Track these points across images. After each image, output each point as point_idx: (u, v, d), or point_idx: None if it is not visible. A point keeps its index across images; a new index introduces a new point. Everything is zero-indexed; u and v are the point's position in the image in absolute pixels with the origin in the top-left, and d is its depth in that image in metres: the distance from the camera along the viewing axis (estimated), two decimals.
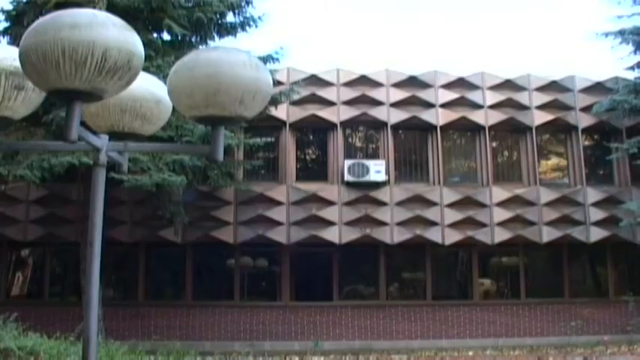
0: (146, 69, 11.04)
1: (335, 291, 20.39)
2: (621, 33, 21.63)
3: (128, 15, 14.31)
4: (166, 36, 17.76)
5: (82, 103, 3.16)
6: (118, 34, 3.02)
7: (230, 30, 18.41)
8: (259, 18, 18.42)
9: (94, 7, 12.00)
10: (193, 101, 3.53)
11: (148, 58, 14.38)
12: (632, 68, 21.96)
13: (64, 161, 15.13)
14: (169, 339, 18.10)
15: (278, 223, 19.52)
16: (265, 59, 17.61)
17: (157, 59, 15.53)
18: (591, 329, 20.20)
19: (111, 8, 14.51)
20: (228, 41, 18.33)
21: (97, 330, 4.01)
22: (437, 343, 19.45)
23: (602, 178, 22.04)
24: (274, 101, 17.72)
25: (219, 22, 18.23)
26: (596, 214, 20.54)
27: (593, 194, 20.81)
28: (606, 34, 21.69)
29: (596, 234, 20.40)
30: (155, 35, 17.52)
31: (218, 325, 19.56)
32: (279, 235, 19.48)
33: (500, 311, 20.53)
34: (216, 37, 18.37)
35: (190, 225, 18.61)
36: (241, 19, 18.43)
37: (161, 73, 12.99)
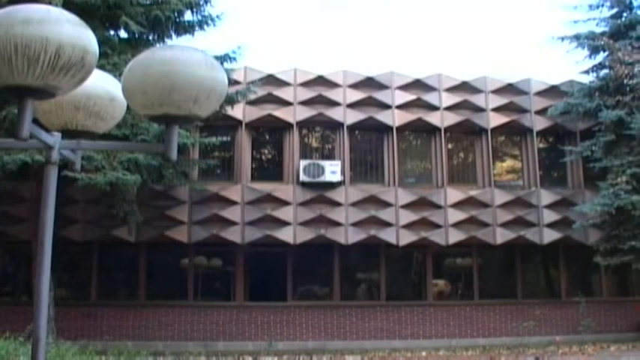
0: (102, 67, 11.52)
1: (289, 291, 20.88)
2: (577, 37, 22.51)
3: (85, 12, 14.58)
4: (123, 34, 18.00)
5: (34, 101, 3.17)
6: (72, 31, 3.01)
7: (188, 28, 18.63)
8: (217, 17, 18.69)
9: (50, 3, 12.22)
10: (147, 100, 3.53)
11: (104, 55, 14.72)
12: (587, 72, 22.85)
13: (17, 159, 15.22)
14: (122, 339, 18.38)
15: (232, 223, 19.92)
16: (222, 58, 18.02)
17: (114, 57, 15.71)
18: (543, 330, 21.02)
19: (67, 5, 14.54)
20: (185, 40, 18.61)
21: (47, 330, 4.18)
22: (390, 344, 20.05)
23: (555, 180, 22.94)
24: (231, 100, 18.10)
25: (177, 20, 18.42)
26: (550, 216, 21.36)
27: (546, 196, 21.61)
28: (562, 38, 22.57)
29: (549, 236, 21.22)
30: (112, 33, 17.70)
31: (171, 325, 19.91)
32: (233, 234, 19.89)
33: (453, 312, 21.26)
34: (174, 36, 18.56)
35: (144, 224, 18.84)
36: (199, 17, 18.69)
37: (117, 70, 13.18)
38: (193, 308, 20.22)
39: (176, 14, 18.20)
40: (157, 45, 17.42)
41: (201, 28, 18.70)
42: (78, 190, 17.52)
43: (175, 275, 21.20)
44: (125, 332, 19.29)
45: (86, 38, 3.08)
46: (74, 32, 3.02)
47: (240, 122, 20.73)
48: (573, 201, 21.51)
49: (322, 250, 20.91)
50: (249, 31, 48.03)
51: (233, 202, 20.10)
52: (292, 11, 54.38)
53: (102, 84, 3.93)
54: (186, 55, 3.53)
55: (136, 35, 17.70)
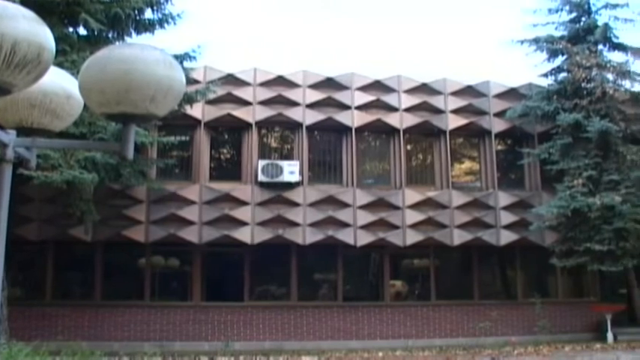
0: (60, 64, 11.52)
1: (246, 291, 20.99)
2: (536, 41, 23.05)
3: (43, 8, 14.46)
4: (82, 31, 17.83)
5: None
6: (28, 27, 2.99)
7: (148, 26, 18.59)
8: (178, 15, 18.71)
9: None
10: (104, 98, 3.53)
11: (62, 52, 14.70)
12: (545, 75, 23.35)
13: None
14: (77, 339, 18.23)
15: (190, 223, 20.02)
16: (182, 57, 18.07)
17: (72, 54, 15.59)
18: (499, 330, 21.45)
19: (26, 1, 14.57)
20: (145, 38, 18.62)
21: None
22: (347, 344, 20.29)
23: (513, 182, 23.35)
24: (190, 100, 18.21)
25: (137, 18, 18.38)
26: (507, 218, 21.77)
27: (504, 198, 22.01)
28: (522, 42, 23.12)
29: (506, 237, 21.63)
30: (71, 30, 17.54)
31: (127, 325, 19.91)
32: (191, 234, 19.99)
33: (410, 312, 21.55)
34: (134, 34, 18.53)
35: (101, 223, 18.85)
36: (160, 15, 18.67)
37: (75, 68, 12.97)
38: (150, 308, 20.24)
39: (136, 12, 18.20)
40: (117, 43, 17.36)
41: (161, 26, 18.69)
42: (33, 189, 17.44)
43: (132, 275, 21.19)
44: (80, 332, 19.22)
45: (43, 35, 3.09)
46: (30, 29, 3.03)
47: (199, 122, 20.79)
48: (530, 203, 21.93)
49: (280, 250, 21.04)
50: (211, 31, 48.00)
51: (191, 202, 20.18)
52: (254, 11, 54.57)
53: (59, 81, 3.92)
54: (145, 54, 3.56)
55: (96, 33, 17.47)
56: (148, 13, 18.70)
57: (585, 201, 20.07)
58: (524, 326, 21.64)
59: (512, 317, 21.87)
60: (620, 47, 22.93)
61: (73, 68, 12.97)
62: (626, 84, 22.26)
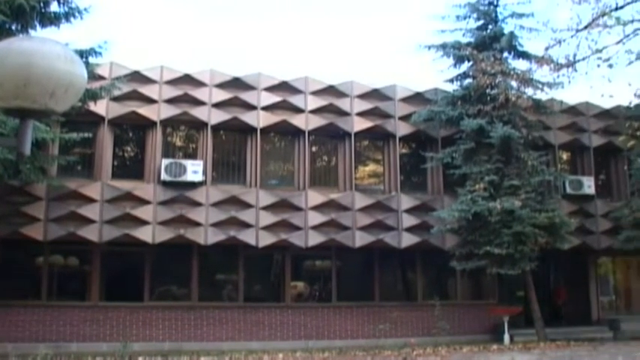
0: None
1: (146, 291, 20.93)
2: (443, 46, 23.57)
3: None
4: None
5: None
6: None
7: (54, 20, 18.20)
8: (85, 10, 18.40)
9: None
10: (1, 91, 3.45)
11: None
12: (451, 81, 23.95)
13: None
14: None
15: (90, 221, 19.79)
16: (88, 52, 17.91)
17: None
18: (399, 332, 21.91)
19: None
20: (50, 31, 18.22)
21: None
22: (247, 345, 20.44)
23: (416, 185, 23.88)
24: (94, 96, 18.05)
25: (43, 10, 17.98)
26: (409, 221, 22.27)
27: (406, 201, 22.49)
28: (429, 47, 23.60)
29: (408, 240, 22.13)
30: None
31: (22, 325, 19.55)
32: (91, 233, 19.76)
33: (311, 314, 21.88)
34: (39, 27, 18.07)
35: None
36: (66, 9, 18.34)
37: None
38: (46, 308, 19.93)
39: (41, 4, 17.80)
40: (20, 35, 17.08)
41: (67, 20, 18.35)
42: None
43: (29, 274, 20.83)
44: None
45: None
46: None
47: (102, 118, 20.58)
48: (432, 206, 22.47)
49: (181, 250, 21.07)
50: (118, 27, 47.54)
51: (92, 200, 19.96)
52: (164, 9, 54.33)
53: None
54: (45, 48, 3.51)
55: None
56: (54, 6, 18.33)
57: (486, 205, 20.65)
58: (423, 328, 22.17)
59: (412, 319, 22.40)
60: (525, 55, 23.61)
61: None
62: (529, 91, 22.92)
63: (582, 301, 25.58)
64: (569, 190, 24.00)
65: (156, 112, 21.09)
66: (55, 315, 19.85)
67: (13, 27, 17.63)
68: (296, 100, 22.21)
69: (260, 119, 21.75)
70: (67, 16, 18.39)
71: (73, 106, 3.87)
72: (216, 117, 21.49)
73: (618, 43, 17.71)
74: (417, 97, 23.45)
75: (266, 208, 21.13)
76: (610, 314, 25.81)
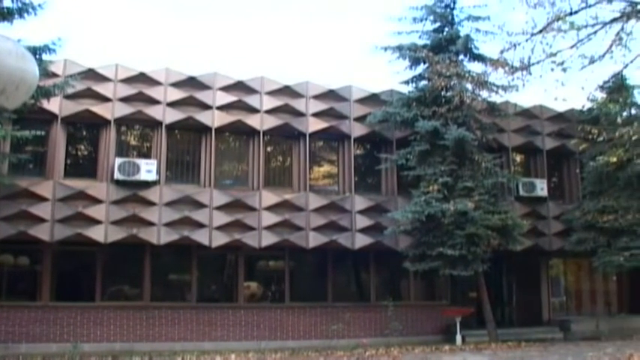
0: None
1: (98, 291, 20.81)
2: (399, 48, 23.74)
3: None
4: None
5: None
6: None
7: (6, 15, 17.98)
8: (39, 6, 18.19)
9: None
10: None
11: None
12: (406, 82, 24.13)
13: None
14: None
15: (42, 220, 19.60)
16: (41, 49, 17.79)
17: None
18: (352, 332, 22.09)
19: None
20: (3, 27, 17.93)
21: None
22: (200, 346, 20.45)
23: (370, 186, 24.07)
24: (47, 93, 17.96)
25: None
26: (362, 222, 22.44)
27: (360, 202, 22.66)
28: (385, 48, 23.72)
29: (361, 241, 22.30)
30: None
31: None
32: (42, 232, 19.57)
33: (264, 314, 21.95)
34: None
35: None
36: (20, 4, 18.13)
37: None
38: None
39: None
40: None
41: (21, 16, 18.13)
42: None
43: None
44: None
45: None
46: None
47: (55, 116, 20.42)
48: (386, 207, 22.66)
49: (134, 249, 21.01)
50: (73, 24, 47.12)
51: (43, 199, 19.77)
52: (121, 6, 53.94)
53: None
54: None
55: None
56: (7, 2, 18.11)
57: (440, 207, 20.87)
58: (376, 328, 22.41)
59: (364, 320, 22.58)
60: (480, 58, 23.88)
61: None
62: (484, 94, 23.21)
63: (534, 302, 25.97)
64: (522, 192, 24.37)
65: (110, 111, 20.96)
66: (4, 315, 19.57)
67: None
68: (251, 100, 22.24)
69: (215, 119, 21.75)
70: (21, 11, 18.16)
71: (25, 103, 3.87)
72: (171, 116, 21.44)
73: (572, 47, 17.89)
74: (372, 99, 23.61)
75: (220, 208, 21.14)
76: (561, 315, 26.29)
